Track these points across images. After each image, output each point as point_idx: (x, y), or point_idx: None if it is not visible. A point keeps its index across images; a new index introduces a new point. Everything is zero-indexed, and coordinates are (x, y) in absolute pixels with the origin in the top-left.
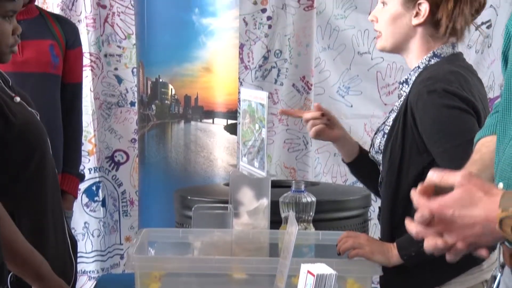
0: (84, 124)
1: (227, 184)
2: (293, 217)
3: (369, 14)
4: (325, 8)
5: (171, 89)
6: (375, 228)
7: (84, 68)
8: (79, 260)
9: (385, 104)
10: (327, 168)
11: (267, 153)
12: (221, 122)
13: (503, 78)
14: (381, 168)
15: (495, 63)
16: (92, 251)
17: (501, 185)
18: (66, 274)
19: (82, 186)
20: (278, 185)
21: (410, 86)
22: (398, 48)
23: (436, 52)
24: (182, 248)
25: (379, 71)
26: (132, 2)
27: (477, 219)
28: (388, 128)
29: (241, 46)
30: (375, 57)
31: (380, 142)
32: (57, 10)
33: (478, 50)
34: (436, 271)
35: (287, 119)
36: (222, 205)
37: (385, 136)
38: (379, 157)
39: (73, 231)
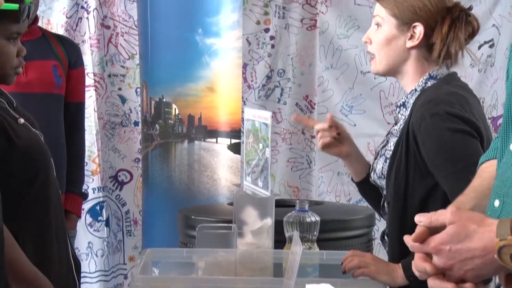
0: (88, 143)
1: (231, 204)
2: (297, 237)
3: None
4: (328, 28)
5: (175, 108)
6: (379, 248)
7: (88, 88)
8: (82, 280)
9: (388, 123)
10: (331, 187)
11: (270, 172)
12: (224, 142)
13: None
14: (384, 192)
15: (498, 82)
16: (95, 271)
17: (497, 202)
18: None
19: (86, 206)
20: (282, 205)
21: (408, 109)
22: (392, 71)
23: (432, 74)
24: (186, 268)
25: (382, 90)
26: (136, 23)
27: (475, 252)
28: (390, 152)
29: (245, 66)
30: (378, 76)
31: (382, 167)
32: (61, 31)
33: (481, 69)
34: None
35: (290, 138)
36: (226, 224)
37: (387, 160)
38: (382, 182)
39: (76, 251)
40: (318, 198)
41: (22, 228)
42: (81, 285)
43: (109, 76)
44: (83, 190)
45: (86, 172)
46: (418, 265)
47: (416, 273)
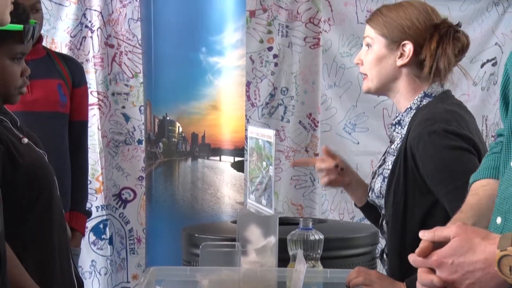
0: (91, 162)
1: (234, 222)
2: (301, 255)
3: None
4: (331, 46)
5: (178, 127)
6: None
7: (91, 107)
8: None
9: None
10: (334, 205)
11: (274, 190)
12: (228, 160)
13: (501, 116)
14: (382, 212)
15: None
16: None
17: (499, 219)
18: None
19: (89, 224)
20: (286, 223)
21: (404, 127)
22: (384, 89)
23: (427, 92)
24: (189, 287)
25: (385, 108)
26: (140, 41)
27: (477, 265)
28: (388, 171)
29: (248, 84)
30: None
31: (380, 186)
32: (65, 50)
33: (484, 87)
34: None
35: (293, 156)
36: (229, 243)
37: (386, 180)
38: (380, 202)
39: (80, 269)
40: (322, 216)
41: (25, 246)
42: None
43: (113, 94)
44: (87, 208)
45: (89, 190)
46: (423, 278)
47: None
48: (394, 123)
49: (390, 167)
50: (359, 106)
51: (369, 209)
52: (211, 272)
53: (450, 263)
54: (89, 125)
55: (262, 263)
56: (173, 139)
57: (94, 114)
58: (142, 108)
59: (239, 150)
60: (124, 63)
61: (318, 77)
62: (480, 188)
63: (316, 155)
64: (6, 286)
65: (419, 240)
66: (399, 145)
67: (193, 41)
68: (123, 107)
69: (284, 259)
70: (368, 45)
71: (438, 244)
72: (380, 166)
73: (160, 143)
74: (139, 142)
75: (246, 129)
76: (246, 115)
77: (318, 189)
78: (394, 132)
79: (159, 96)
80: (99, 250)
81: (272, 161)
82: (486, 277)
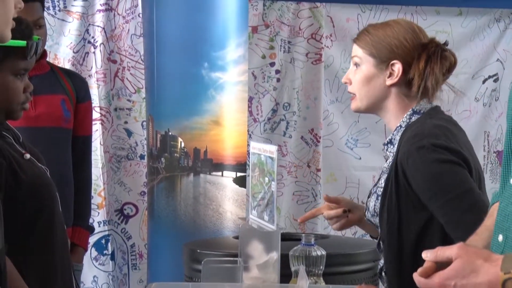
0: (93, 177)
1: (236, 237)
2: (303, 271)
3: None
4: (333, 62)
5: (180, 142)
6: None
7: (94, 122)
8: None
9: None
10: None
11: (276, 206)
12: (230, 175)
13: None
14: (379, 230)
15: (502, 116)
16: None
17: (500, 237)
18: None
19: (91, 240)
20: (288, 238)
21: (395, 146)
22: (373, 108)
23: (415, 109)
24: None
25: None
26: (142, 57)
27: (481, 287)
28: (381, 189)
29: (250, 99)
30: None
31: (374, 205)
32: (68, 65)
33: (486, 103)
34: None
35: (296, 172)
36: (231, 258)
37: (379, 198)
38: (376, 220)
39: (82, 285)
40: (324, 232)
41: (27, 261)
42: None
43: (115, 109)
44: (89, 224)
45: (92, 206)
46: None
47: None
48: (386, 142)
49: (383, 185)
50: (361, 121)
51: None
52: None
53: (452, 286)
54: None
55: (264, 279)
56: (175, 154)
57: (97, 129)
58: (145, 123)
59: (241, 166)
60: (127, 78)
61: (320, 92)
62: (496, 210)
63: (318, 170)
64: None
65: (416, 257)
66: (390, 163)
67: (195, 57)
68: (126, 122)
69: (286, 275)
70: (356, 64)
71: (441, 264)
72: (374, 185)
73: (162, 158)
74: (141, 157)
75: (248, 145)
76: (248, 131)
77: (320, 205)
78: (387, 152)
79: (161, 111)
80: (101, 265)
81: (274, 177)
82: None
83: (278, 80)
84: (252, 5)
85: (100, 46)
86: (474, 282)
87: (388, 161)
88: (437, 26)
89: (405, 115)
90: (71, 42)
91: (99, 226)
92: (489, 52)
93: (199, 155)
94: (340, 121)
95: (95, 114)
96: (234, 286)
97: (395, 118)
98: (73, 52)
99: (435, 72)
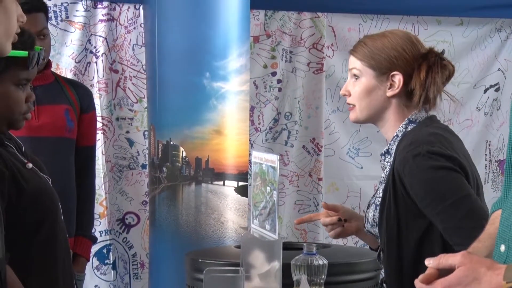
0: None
1: (238, 247)
2: (305, 280)
3: None
4: (334, 71)
5: (182, 151)
6: None
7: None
8: None
9: None
10: None
11: (278, 215)
12: (232, 184)
13: None
14: (379, 240)
15: (504, 125)
16: None
17: (503, 247)
18: None
19: (93, 249)
20: (290, 247)
21: (392, 155)
22: (373, 119)
23: (411, 119)
24: None
25: None
26: (144, 67)
27: None
28: (380, 199)
29: (252, 109)
30: None
31: (373, 215)
32: (70, 75)
33: (487, 112)
34: None
35: (297, 181)
36: (233, 268)
37: (378, 208)
38: (375, 230)
39: None
40: (326, 241)
41: (29, 271)
42: None
43: (117, 119)
44: (92, 234)
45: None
46: None
47: None
48: (383, 152)
49: (381, 195)
50: (363, 131)
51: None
52: None
53: None
54: None
55: None
56: (177, 164)
57: (99, 139)
58: (146, 132)
59: (243, 175)
60: (129, 88)
61: (321, 102)
62: (498, 218)
63: (320, 179)
64: None
65: (416, 265)
66: (388, 172)
67: (197, 66)
68: (127, 132)
69: (288, 284)
70: (355, 76)
71: (443, 272)
72: (373, 196)
73: (164, 168)
74: (143, 166)
75: (250, 154)
76: (250, 140)
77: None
78: (385, 162)
79: (163, 121)
80: (102, 275)
81: (276, 186)
82: None
83: (279, 89)
84: (253, 15)
85: (102, 56)
86: None
87: (385, 171)
88: (438, 36)
89: (402, 125)
90: (73, 52)
91: (101, 235)
92: (490, 62)
93: (201, 165)
94: (341, 131)
95: (97, 124)
96: None
97: (393, 128)
98: (75, 62)
99: (436, 81)
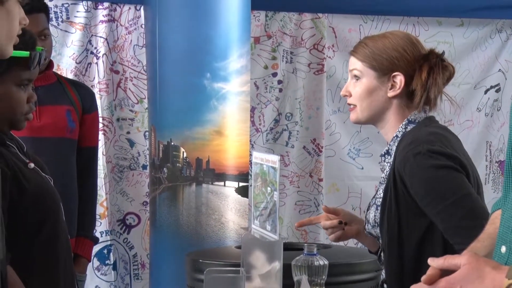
0: None
1: (239, 247)
2: (306, 281)
3: None
4: (335, 72)
5: (183, 152)
6: None
7: None
8: None
9: None
10: None
11: (278, 216)
12: (232, 185)
13: None
14: (380, 241)
15: (504, 126)
16: None
17: (503, 248)
18: None
19: (94, 250)
20: (290, 248)
21: (392, 156)
22: (374, 120)
23: (410, 119)
24: None
25: None
26: (145, 67)
27: None
28: (380, 200)
29: (252, 109)
30: None
31: (375, 215)
32: (70, 76)
33: (488, 113)
34: None
35: (298, 181)
36: (234, 268)
37: (379, 208)
38: (376, 231)
39: None
40: (326, 242)
41: (31, 271)
42: None
43: (118, 120)
44: (93, 234)
45: None
46: None
47: None
48: (383, 153)
49: (381, 195)
50: (363, 131)
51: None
52: None
53: None
54: None
55: None
56: (177, 164)
57: (99, 140)
58: (147, 133)
59: (243, 176)
60: (129, 89)
61: (322, 102)
62: (498, 218)
63: (320, 180)
64: None
65: (417, 264)
66: (388, 173)
67: (197, 67)
68: (128, 132)
69: (288, 285)
70: (355, 77)
71: (445, 272)
72: (373, 197)
73: (164, 168)
74: (144, 167)
75: (250, 155)
76: (250, 141)
77: (322, 214)
78: (384, 162)
79: (163, 122)
80: (103, 275)
81: (277, 187)
82: None
83: (280, 90)
84: (254, 16)
85: (102, 56)
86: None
87: (385, 171)
88: (438, 36)
89: (401, 125)
90: (74, 53)
91: (101, 236)
92: (491, 63)
93: (201, 165)
94: (342, 131)
95: None
96: None
97: (393, 128)
98: (76, 62)
99: (437, 82)
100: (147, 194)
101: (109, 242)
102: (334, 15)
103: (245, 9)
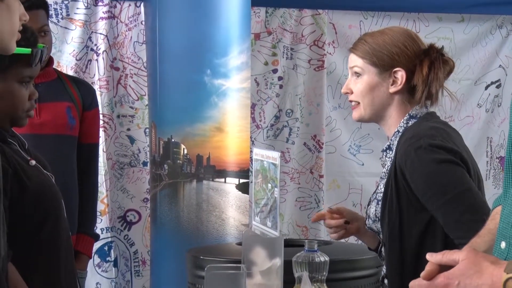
0: None
1: (239, 244)
2: (307, 277)
3: None
4: (336, 68)
5: (183, 148)
6: None
7: None
8: None
9: None
10: None
11: (279, 212)
12: (233, 181)
13: None
14: (380, 236)
15: (505, 122)
16: None
17: (503, 244)
18: None
19: (94, 247)
20: (291, 244)
21: (393, 151)
22: (377, 116)
23: (412, 114)
24: None
25: None
26: (145, 64)
27: (483, 287)
28: (381, 195)
29: (253, 106)
30: None
31: (375, 210)
32: (70, 73)
33: (488, 109)
34: None
35: (298, 178)
36: (235, 265)
37: (380, 203)
38: (377, 226)
39: None
40: (327, 238)
41: (31, 268)
42: None
43: (118, 116)
44: (94, 231)
45: None
46: None
47: None
48: (384, 148)
49: (382, 190)
50: (364, 127)
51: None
52: None
53: (456, 284)
54: None
55: (267, 286)
56: (178, 161)
57: (100, 136)
58: (147, 130)
59: (244, 172)
60: (130, 85)
61: (322, 99)
62: (498, 213)
63: (321, 176)
64: None
65: (418, 259)
66: (389, 168)
67: (198, 64)
68: (128, 129)
69: (289, 281)
70: (356, 73)
71: (444, 268)
72: (374, 192)
73: (165, 165)
74: (144, 164)
75: (251, 151)
76: (251, 137)
77: (322, 211)
78: (386, 157)
79: (164, 118)
80: (103, 272)
81: (277, 183)
82: None
83: (280, 86)
84: (254, 12)
85: (102, 53)
86: (477, 282)
87: (386, 167)
88: (439, 32)
89: (402, 120)
90: (74, 50)
91: (102, 233)
92: (491, 58)
93: (202, 162)
94: (342, 127)
95: None
96: None
97: (395, 124)
98: (76, 59)
99: (438, 77)
100: (148, 190)
101: (109, 239)
102: (334, 11)
103: (245, 6)
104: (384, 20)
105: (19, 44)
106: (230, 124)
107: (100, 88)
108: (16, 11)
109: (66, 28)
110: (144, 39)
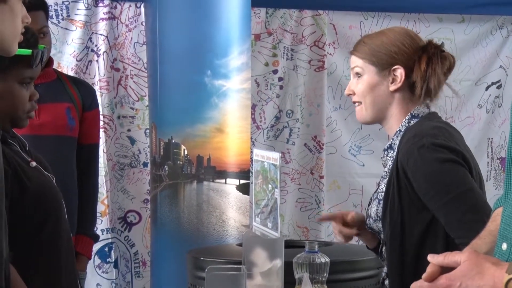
0: None
1: (240, 245)
2: (307, 278)
3: None
4: (336, 69)
5: (184, 149)
6: None
7: None
8: None
9: None
10: None
11: (279, 213)
12: (233, 182)
13: None
14: (381, 236)
15: (506, 123)
16: None
17: (504, 245)
18: None
19: (95, 248)
20: (291, 245)
21: (395, 150)
22: (379, 116)
23: (413, 113)
24: None
25: None
26: (145, 65)
27: None
28: (382, 194)
29: (253, 107)
30: None
31: (377, 209)
32: (71, 74)
33: (489, 109)
34: None
35: (299, 179)
36: (235, 266)
37: (381, 202)
38: (378, 225)
39: None
40: (327, 239)
41: (31, 269)
42: None
43: (119, 117)
44: (94, 232)
45: None
46: None
47: None
48: (386, 148)
49: (384, 189)
50: (364, 128)
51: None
52: None
53: (458, 286)
54: None
55: (268, 287)
56: (178, 162)
57: (100, 137)
58: (148, 131)
59: (244, 173)
60: (130, 86)
61: (323, 99)
62: (499, 215)
63: (322, 177)
64: None
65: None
66: (390, 167)
67: (198, 65)
68: (129, 130)
69: (290, 282)
70: (357, 74)
71: (445, 270)
72: (375, 192)
73: (165, 166)
74: (145, 165)
75: (251, 152)
76: (251, 138)
77: (323, 212)
78: (387, 157)
79: (164, 119)
80: (104, 273)
81: (278, 184)
82: None
83: (281, 87)
84: (254, 13)
85: (103, 54)
86: (478, 283)
87: (387, 166)
88: (439, 33)
89: (404, 120)
90: (74, 51)
91: (102, 234)
92: (492, 59)
93: (202, 163)
94: (343, 128)
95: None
96: None
97: (397, 123)
98: (76, 60)
99: (437, 72)
100: (148, 191)
101: (110, 240)
102: (334, 12)
103: (246, 6)
104: (384, 20)
105: (19, 45)
106: (231, 125)
107: (100, 89)
108: (19, 13)
109: (66, 29)
110: (145, 40)
